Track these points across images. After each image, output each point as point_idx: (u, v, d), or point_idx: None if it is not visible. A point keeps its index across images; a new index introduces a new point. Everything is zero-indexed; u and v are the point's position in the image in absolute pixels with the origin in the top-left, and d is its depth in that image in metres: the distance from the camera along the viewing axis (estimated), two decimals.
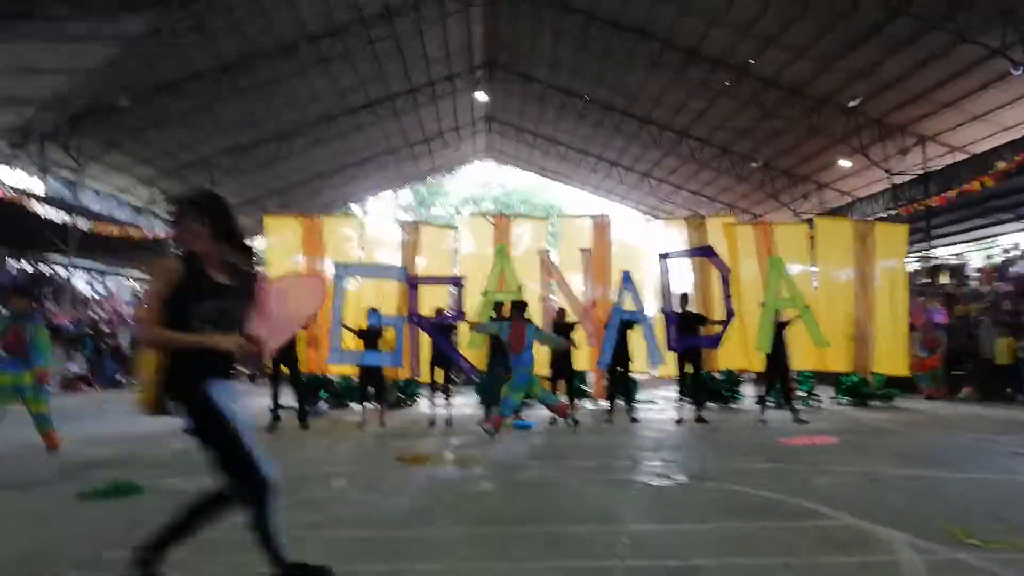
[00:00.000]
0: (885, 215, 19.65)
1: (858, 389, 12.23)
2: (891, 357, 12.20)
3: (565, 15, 19.86)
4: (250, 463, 2.96)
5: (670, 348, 10.27)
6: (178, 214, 3.04)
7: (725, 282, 10.45)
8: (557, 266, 11.70)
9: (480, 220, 13.31)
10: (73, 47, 14.97)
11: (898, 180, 20.62)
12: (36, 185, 18.71)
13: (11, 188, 16.73)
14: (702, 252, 11.23)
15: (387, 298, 11.08)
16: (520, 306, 8.97)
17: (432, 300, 10.90)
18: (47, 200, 17.84)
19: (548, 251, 12.30)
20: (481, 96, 26.68)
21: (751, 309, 11.02)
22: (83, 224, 18.40)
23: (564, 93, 24.86)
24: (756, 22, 17.54)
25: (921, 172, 19.82)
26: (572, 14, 19.79)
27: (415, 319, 10.10)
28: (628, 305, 10.25)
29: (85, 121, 18.63)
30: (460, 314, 10.34)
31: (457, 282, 10.59)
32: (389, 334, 10.02)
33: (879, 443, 7.84)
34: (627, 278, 10.37)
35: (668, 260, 10.73)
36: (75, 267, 21.76)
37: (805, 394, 12.23)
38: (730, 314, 10.33)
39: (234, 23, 17.33)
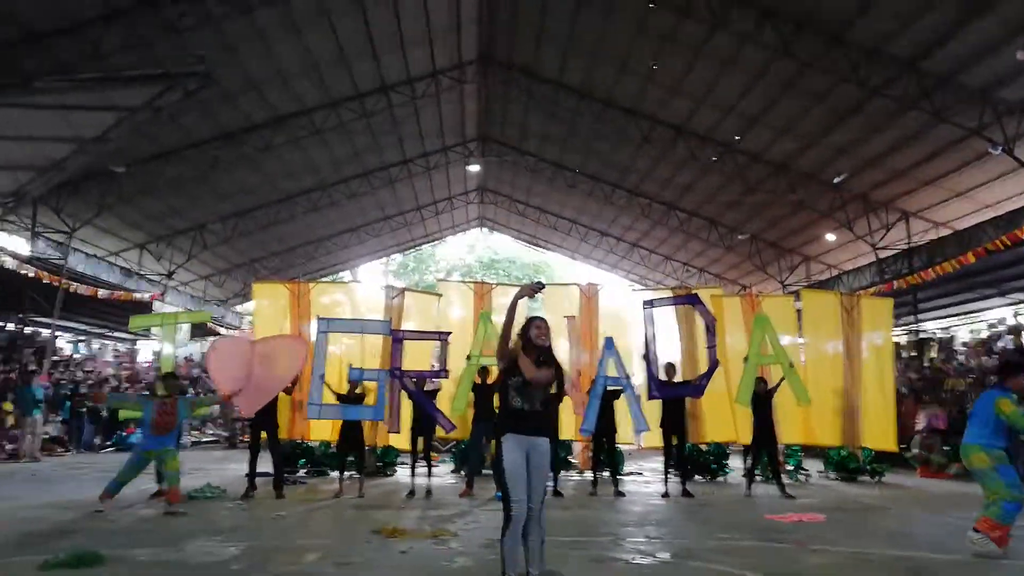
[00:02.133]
0: (872, 288, 19.81)
1: (846, 464, 12.07)
2: (879, 431, 12.09)
3: (557, 93, 20.38)
4: (506, 495, 4.33)
5: (650, 396, 10.18)
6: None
7: (710, 331, 10.45)
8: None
9: (461, 286, 13.34)
10: (71, 117, 15.25)
11: (883, 254, 20.87)
12: (23, 247, 18.67)
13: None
14: (687, 300, 11.28)
15: (371, 359, 10.97)
16: (169, 378, 8.78)
17: (416, 356, 10.80)
18: (33, 262, 17.77)
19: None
20: (473, 168, 27.12)
21: (737, 378, 10.94)
22: (69, 286, 18.29)
23: (555, 166, 25.30)
24: (740, 102, 18.04)
25: (906, 247, 20.08)
26: (564, 92, 20.32)
27: (397, 373, 9.90)
28: (611, 371, 10.15)
29: (78, 186, 18.76)
30: (444, 371, 10.29)
31: (443, 337, 10.55)
32: (371, 387, 9.93)
33: (868, 521, 7.68)
34: (609, 344, 10.32)
35: (653, 309, 10.76)
36: (59, 328, 21.54)
37: (792, 468, 12.08)
38: (714, 364, 10.29)
39: (230, 97, 17.69)
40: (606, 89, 19.76)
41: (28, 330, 21.27)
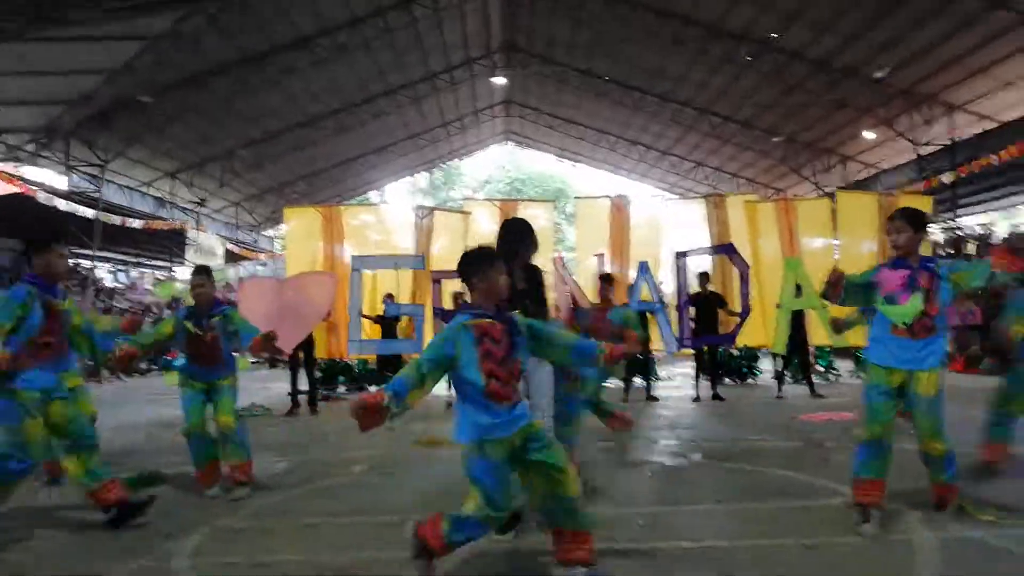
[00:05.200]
0: (911, 186, 19.32)
1: None
2: None
3: None
4: None
5: (682, 345, 10.24)
6: None
7: (744, 279, 10.31)
8: (571, 273, 11.49)
9: (487, 204, 13.33)
10: (97, 47, 15.26)
11: (924, 151, 20.21)
12: (61, 181, 19.01)
13: (37, 185, 17.03)
14: (723, 250, 11.06)
15: (404, 284, 11.13)
16: None
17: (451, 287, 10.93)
18: (71, 196, 18.13)
19: (562, 256, 12.30)
20: (499, 80, 26.54)
21: (772, 289, 10.82)
22: (106, 218, 18.70)
23: (583, 74, 24.62)
24: None
25: (948, 142, 19.40)
26: None
27: (440, 313, 10.14)
28: (645, 295, 10.22)
29: (108, 118, 18.86)
30: None
31: None
32: (406, 322, 10.11)
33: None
34: (644, 268, 10.30)
35: (687, 259, 10.60)
36: (99, 260, 22.12)
37: (823, 369, 12.13)
38: (746, 310, 10.23)
39: (252, 17, 17.35)
40: None
41: (70, 262, 21.86)
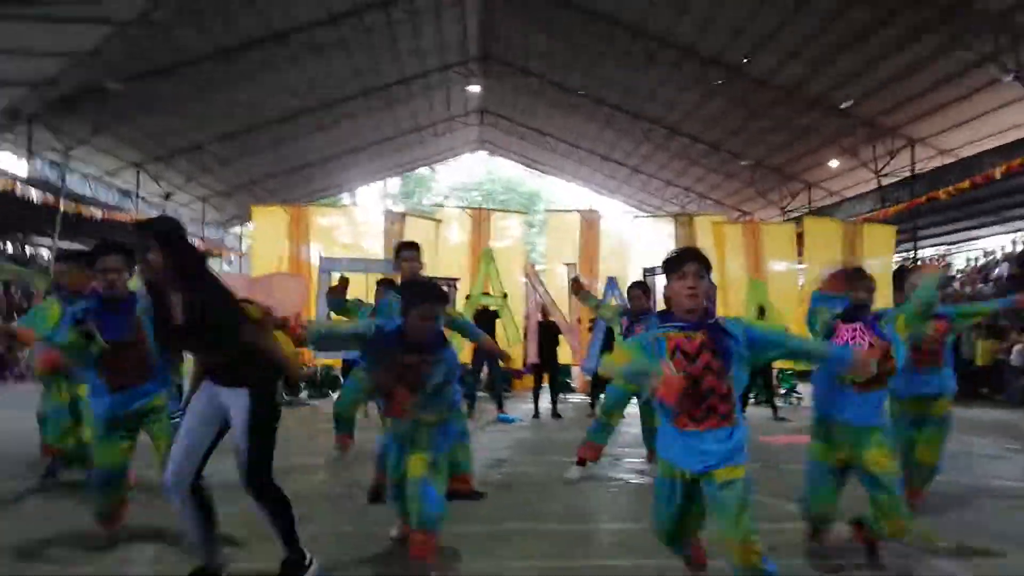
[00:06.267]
0: (871, 213, 19.83)
1: None
2: None
3: (561, 11, 19.74)
4: None
5: None
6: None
7: (710, 299, 10.47)
8: (542, 280, 11.53)
9: (458, 212, 13.33)
10: (64, 29, 14.86)
11: (886, 181, 20.76)
12: (21, 167, 18.48)
13: None
14: None
15: (371, 288, 11.04)
16: None
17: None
18: (32, 182, 17.63)
19: (534, 264, 12.36)
20: (474, 88, 26.57)
21: (737, 310, 11.02)
22: (68, 207, 18.20)
23: (558, 87, 24.79)
24: (749, 24, 17.51)
25: (909, 174, 19.96)
26: (569, 10, 19.66)
27: None
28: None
29: (74, 104, 18.39)
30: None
31: (450, 284, 10.57)
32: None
33: None
34: (612, 284, 10.40)
35: (655, 276, 10.73)
36: (59, 250, 21.57)
37: (785, 392, 12.33)
38: None
39: (227, 10, 17.09)
40: (612, 7, 19.14)
41: (29, 250, 21.31)
